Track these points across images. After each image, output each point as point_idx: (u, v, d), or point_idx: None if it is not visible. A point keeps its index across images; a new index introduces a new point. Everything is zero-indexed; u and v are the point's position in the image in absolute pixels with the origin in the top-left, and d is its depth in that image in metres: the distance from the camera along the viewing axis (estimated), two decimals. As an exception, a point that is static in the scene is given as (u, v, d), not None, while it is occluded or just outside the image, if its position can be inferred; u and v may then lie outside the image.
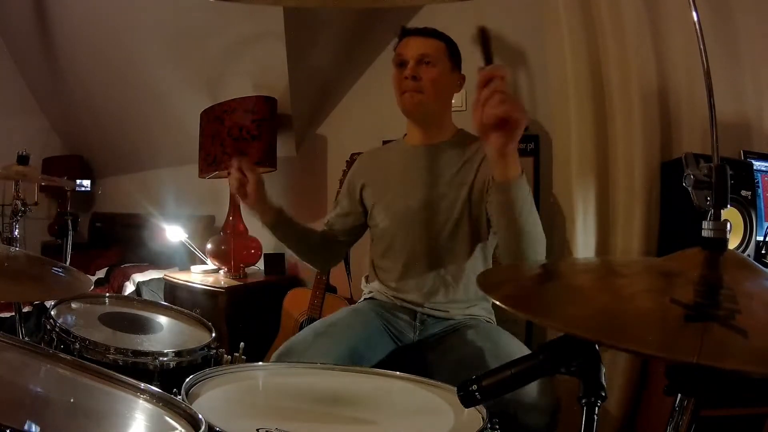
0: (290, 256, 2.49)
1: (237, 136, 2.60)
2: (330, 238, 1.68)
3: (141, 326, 1.39)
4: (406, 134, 1.67)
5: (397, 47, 1.56)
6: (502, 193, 1.14)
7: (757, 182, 1.69)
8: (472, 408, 0.94)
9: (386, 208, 1.60)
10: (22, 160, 1.81)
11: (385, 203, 1.60)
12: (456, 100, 1.61)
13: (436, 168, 1.55)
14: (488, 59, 1.06)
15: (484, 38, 1.07)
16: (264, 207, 1.51)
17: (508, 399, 1.13)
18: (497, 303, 0.66)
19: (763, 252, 1.65)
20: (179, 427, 0.80)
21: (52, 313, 1.22)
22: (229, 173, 1.47)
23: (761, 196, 1.70)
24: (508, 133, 1.03)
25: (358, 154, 2.24)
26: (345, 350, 1.36)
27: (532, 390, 1.19)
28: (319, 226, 1.73)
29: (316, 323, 1.55)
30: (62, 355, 0.95)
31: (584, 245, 1.80)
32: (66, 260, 2.01)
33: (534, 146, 2.11)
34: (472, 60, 1.71)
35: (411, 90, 1.50)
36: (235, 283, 2.64)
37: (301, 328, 2.32)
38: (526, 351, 1.39)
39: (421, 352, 1.50)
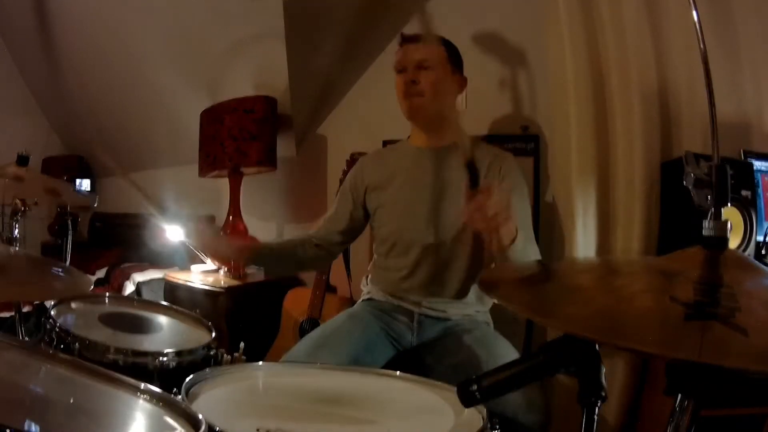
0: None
1: (237, 136, 2.60)
2: (323, 241, 1.67)
3: (141, 326, 1.39)
4: (409, 136, 1.67)
5: (396, 55, 1.58)
6: (500, 257, 1.26)
7: (757, 182, 1.69)
8: (472, 408, 0.94)
9: (392, 211, 1.60)
10: (22, 160, 1.80)
11: (391, 206, 1.60)
12: (454, 101, 1.62)
13: (443, 172, 1.55)
14: (474, 184, 1.18)
15: (471, 168, 1.19)
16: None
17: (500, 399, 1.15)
18: (497, 302, 0.66)
19: (763, 252, 1.65)
20: (179, 427, 0.79)
21: (52, 313, 1.21)
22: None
23: (761, 196, 1.70)
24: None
25: (359, 154, 2.24)
26: (346, 360, 1.36)
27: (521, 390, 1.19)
28: (317, 227, 1.72)
29: (313, 333, 1.52)
30: (62, 355, 0.95)
31: (584, 245, 1.80)
32: (66, 260, 2.00)
33: (534, 146, 2.11)
34: (472, 61, 1.72)
35: (412, 95, 1.52)
36: (235, 283, 2.63)
37: (301, 328, 2.31)
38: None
39: (420, 356, 1.51)
